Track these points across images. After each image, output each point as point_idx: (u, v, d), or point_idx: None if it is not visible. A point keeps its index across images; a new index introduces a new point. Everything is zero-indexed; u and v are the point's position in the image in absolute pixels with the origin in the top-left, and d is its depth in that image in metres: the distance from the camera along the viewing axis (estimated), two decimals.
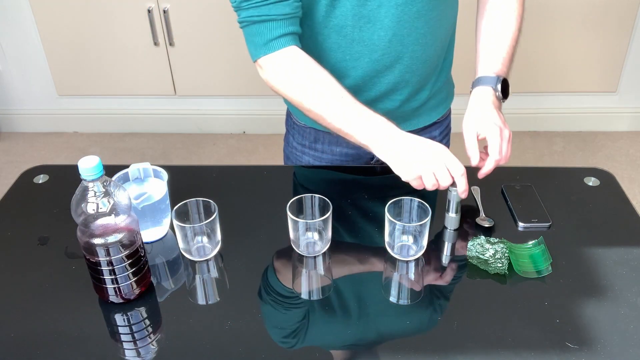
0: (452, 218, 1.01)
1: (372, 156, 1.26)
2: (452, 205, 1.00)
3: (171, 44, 2.74)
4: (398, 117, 1.20)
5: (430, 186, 0.96)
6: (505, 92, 1.08)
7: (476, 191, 1.10)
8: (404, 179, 0.98)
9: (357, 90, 1.14)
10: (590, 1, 2.58)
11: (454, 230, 1.03)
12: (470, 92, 1.10)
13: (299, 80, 1.04)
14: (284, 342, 0.84)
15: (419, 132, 1.25)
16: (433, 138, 1.28)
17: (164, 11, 2.64)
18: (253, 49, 1.04)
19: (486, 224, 1.03)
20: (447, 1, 1.10)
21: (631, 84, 2.82)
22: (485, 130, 1.02)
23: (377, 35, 1.06)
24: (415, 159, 0.96)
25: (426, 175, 0.95)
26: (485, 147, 1.03)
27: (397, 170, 0.98)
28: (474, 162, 1.03)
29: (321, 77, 1.03)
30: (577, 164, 2.71)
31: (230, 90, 2.84)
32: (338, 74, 1.11)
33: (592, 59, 2.75)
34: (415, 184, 0.97)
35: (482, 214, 1.05)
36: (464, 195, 0.97)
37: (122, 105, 2.97)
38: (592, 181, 1.14)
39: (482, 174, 1.03)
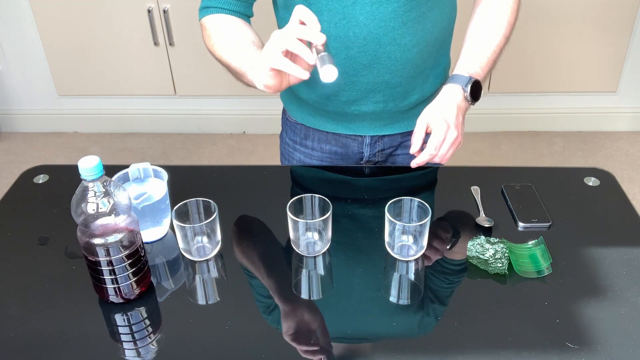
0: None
1: (362, 156, 1.27)
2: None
3: (171, 44, 2.74)
4: (385, 119, 1.21)
5: (281, 60, 0.89)
6: (475, 95, 1.07)
7: (476, 191, 1.10)
8: (262, 83, 0.96)
9: (337, 89, 1.14)
10: (590, 1, 2.58)
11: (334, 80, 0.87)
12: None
13: (218, 35, 1.11)
14: (268, 317, 0.86)
15: (409, 134, 1.25)
16: (425, 142, 1.28)
17: (164, 11, 2.64)
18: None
19: (486, 224, 1.03)
20: (430, 4, 1.08)
21: (631, 84, 2.82)
22: (434, 124, 1.02)
23: (352, 32, 1.07)
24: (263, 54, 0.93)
25: (274, 55, 0.90)
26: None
27: (258, 85, 0.97)
28: (412, 150, 1.04)
29: (234, 32, 1.10)
30: (577, 164, 2.71)
31: (230, 90, 2.84)
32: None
33: (592, 59, 2.75)
34: (275, 67, 0.91)
35: (482, 214, 1.05)
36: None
37: (122, 105, 2.97)
38: (592, 181, 1.14)
39: (413, 162, 1.05)
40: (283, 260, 0.98)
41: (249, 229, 1.05)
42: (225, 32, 1.11)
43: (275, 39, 0.90)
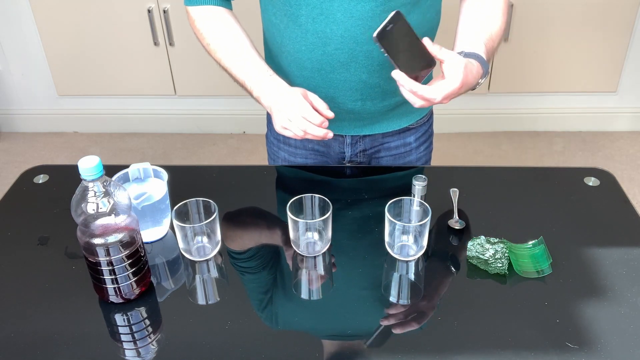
0: (417, 211, 1.00)
1: (344, 156, 1.27)
2: (416, 199, 1.00)
3: (171, 44, 2.74)
4: (365, 119, 1.21)
5: (299, 132, 1.03)
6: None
7: (455, 193, 1.09)
8: (276, 129, 1.07)
9: (316, 85, 1.14)
10: (590, 1, 2.58)
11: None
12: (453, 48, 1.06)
13: (214, 34, 1.16)
14: (262, 315, 0.87)
15: (390, 135, 1.25)
16: (408, 144, 1.28)
17: (164, 11, 2.64)
18: None
19: (457, 226, 1.03)
20: (410, 7, 1.07)
21: (631, 84, 2.82)
22: (459, 74, 0.97)
23: (330, 29, 1.07)
24: (280, 110, 1.05)
25: (289, 125, 1.03)
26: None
27: (274, 122, 1.08)
28: (433, 50, 0.98)
29: (232, 35, 1.15)
30: (577, 164, 2.71)
31: (230, 90, 2.82)
32: (297, 64, 1.14)
33: (592, 59, 2.75)
34: (287, 134, 1.05)
35: (455, 216, 1.05)
36: (326, 135, 1.03)
37: (122, 105, 2.97)
38: (592, 181, 1.14)
39: (407, 88, 0.98)
40: (283, 260, 0.98)
41: (249, 229, 1.05)
42: (220, 36, 1.15)
43: (289, 113, 1.03)
